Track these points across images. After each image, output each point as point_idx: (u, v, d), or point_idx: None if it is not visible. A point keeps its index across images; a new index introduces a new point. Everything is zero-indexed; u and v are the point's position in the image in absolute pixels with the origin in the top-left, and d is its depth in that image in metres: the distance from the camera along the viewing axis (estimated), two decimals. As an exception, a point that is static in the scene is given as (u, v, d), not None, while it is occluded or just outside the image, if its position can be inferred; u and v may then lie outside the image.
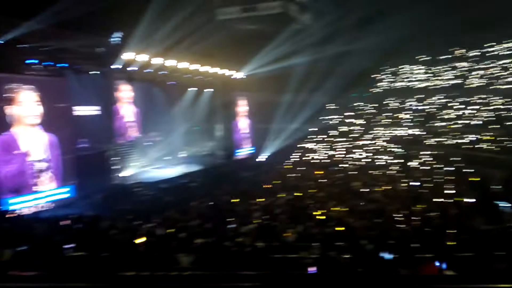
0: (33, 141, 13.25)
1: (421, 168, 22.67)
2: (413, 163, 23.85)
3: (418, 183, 17.94)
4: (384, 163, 24.80)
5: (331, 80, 28.17)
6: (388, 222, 10.62)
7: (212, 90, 25.69)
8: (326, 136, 29.88)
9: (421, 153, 25.08)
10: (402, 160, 24.69)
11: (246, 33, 24.73)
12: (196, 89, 24.85)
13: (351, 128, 30.69)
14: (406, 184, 17.87)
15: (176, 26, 18.10)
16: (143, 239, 7.88)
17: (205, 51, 21.60)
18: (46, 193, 13.60)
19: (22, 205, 12.60)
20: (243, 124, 27.80)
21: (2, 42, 12.29)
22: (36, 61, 14.17)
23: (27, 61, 13.92)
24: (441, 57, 32.93)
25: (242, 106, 27.73)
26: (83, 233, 8.43)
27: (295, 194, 15.50)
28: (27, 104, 13.02)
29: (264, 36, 24.76)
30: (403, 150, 26.12)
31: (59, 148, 14.21)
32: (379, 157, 25.73)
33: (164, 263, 5.96)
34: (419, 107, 30.98)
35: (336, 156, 27.20)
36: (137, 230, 8.83)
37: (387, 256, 6.59)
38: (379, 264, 6.48)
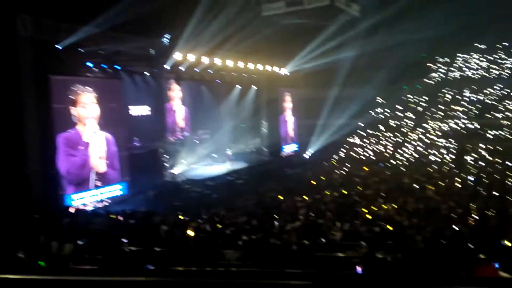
0: (92, 139, 14.07)
1: (477, 163, 21.41)
2: (469, 158, 22.57)
3: (474, 180, 17.00)
4: (437, 158, 23.69)
5: (380, 73, 27.26)
6: (441, 221, 10.18)
7: (257, 87, 25.85)
8: (374, 131, 29.00)
9: (478, 147, 23.66)
10: (457, 155, 23.45)
11: (291, 28, 24.55)
12: (241, 86, 25.15)
13: (401, 122, 29.52)
14: (461, 181, 16.99)
15: (222, 24, 18.44)
16: (192, 233, 8.15)
17: (251, 48, 21.75)
18: (103, 189, 14.41)
19: (81, 201, 13.46)
20: (289, 120, 27.73)
21: (63, 47, 13.10)
22: (94, 64, 15.03)
23: (87, 64, 14.78)
24: (500, 45, 30.78)
25: (287, 102, 27.64)
26: (136, 229, 8.86)
27: (341, 191, 15.26)
28: (87, 105, 13.83)
29: (310, 30, 24.45)
30: (457, 145, 24.76)
31: (116, 146, 14.97)
32: (431, 152, 24.60)
33: (212, 259, 6.14)
34: (476, 99, 29.16)
35: (385, 151, 26.35)
36: (186, 226, 9.14)
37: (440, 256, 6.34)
38: (430, 265, 6.25)
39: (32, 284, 1.23)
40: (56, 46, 13.00)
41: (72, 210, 11.72)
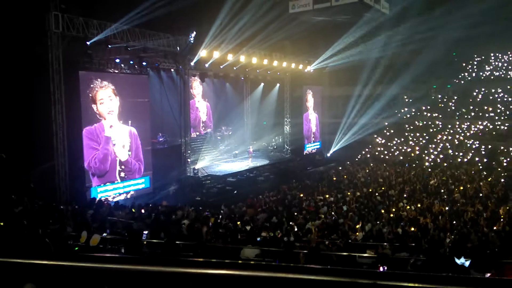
0: (117, 133, 14.35)
1: (509, 166, 20.60)
2: (500, 160, 21.75)
3: (504, 182, 16.40)
4: (466, 160, 22.94)
5: (409, 72, 26.62)
6: (468, 224, 9.87)
7: (281, 84, 25.77)
8: (400, 131, 28.33)
9: (510, 149, 22.74)
10: (487, 157, 22.63)
11: (317, 26, 24.27)
12: (265, 83, 25.14)
13: (429, 122, 28.70)
14: (489, 184, 16.42)
15: (248, 22, 18.43)
16: (209, 228, 8.18)
17: (276, 46, 21.64)
18: (127, 183, 14.69)
19: (106, 193, 13.77)
20: (312, 118, 27.49)
21: (92, 43, 13.39)
22: (121, 60, 15.30)
23: (115, 60, 15.07)
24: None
25: (311, 100, 27.41)
26: (158, 221, 8.98)
27: (364, 191, 15.03)
28: (112, 100, 14.09)
29: (336, 28, 24.11)
30: (488, 146, 23.85)
31: (140, 140, 15.22)
32: (460, 153, 23.82)
33: (231, 255, 6.14)
34: (510, 99, 27.99)
35: (411, 152, 25.72)
36: (206, 220, 9.19)
37: (464, 261, 6.12)
38: (454, 269, 6.04)
39: (58, 270, 1.26)
40: (86, 42, 13.32)
41: (96, 202, 11.97)
